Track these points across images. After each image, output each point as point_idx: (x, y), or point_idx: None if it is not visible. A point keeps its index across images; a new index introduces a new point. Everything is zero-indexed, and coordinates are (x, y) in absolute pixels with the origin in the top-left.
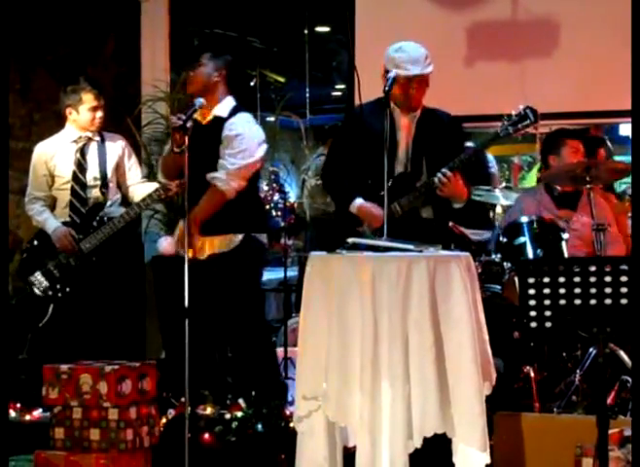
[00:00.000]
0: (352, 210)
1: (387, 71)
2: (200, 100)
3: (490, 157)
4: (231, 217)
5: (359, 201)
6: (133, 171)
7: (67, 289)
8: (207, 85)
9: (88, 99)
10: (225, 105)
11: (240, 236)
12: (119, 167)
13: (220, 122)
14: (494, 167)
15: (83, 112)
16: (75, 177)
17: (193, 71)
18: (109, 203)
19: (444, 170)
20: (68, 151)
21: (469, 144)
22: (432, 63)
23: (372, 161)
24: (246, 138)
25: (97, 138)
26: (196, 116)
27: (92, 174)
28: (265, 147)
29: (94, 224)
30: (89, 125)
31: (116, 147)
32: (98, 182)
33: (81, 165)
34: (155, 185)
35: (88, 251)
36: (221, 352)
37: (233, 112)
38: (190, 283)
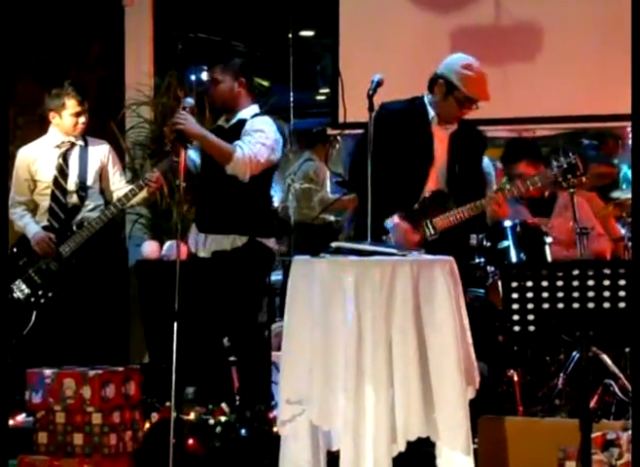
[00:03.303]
0: (386, 224)
1: (446, 80)
2: (189, 100)
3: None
4: (236, 219)
5: (397, 220)
6: (117, 177)
7: (49, 294)
8: (230, 99)
9: (71, 105)
10: (249, 110)
11: (244, 239)
12: (102, 173)
13: (243, 123)
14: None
15: (65, 117)
16: (56, 182)
17: (211, 90)
18: (89, 208)
19: (498, 196)
20: (51, 155)
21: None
22: None
23: (403, 172)
24: (266, 134)
25: (81, 143)
26: (220, 122)
27: (74, 180)
28: (279, 152)
29: (73, 228)
30: (72, 130)
31: (99, 152)
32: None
33: (62, 171)
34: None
35: (68, 255)
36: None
37: (256, 116)
38: (184, 282)
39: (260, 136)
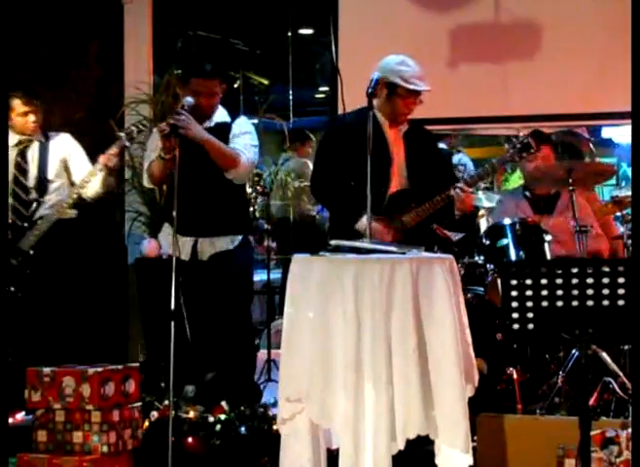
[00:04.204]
0: (359, 227)
1: (387, 82)
2: (189, 99)
3: (461, 158)
4: (232, 219)
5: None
6: (81, 168)
7: (12, 289)
8: (216, 107)
9: (17, 105)
10: (222, 112)
11: (240, 237)
12: (67, 167)
13: (226, 126)
14: (462, 162)
15: (15, 118)
16: (16, 180)
17: (204, 101)
18: (51, 203)
19: (460, 185)
20: (10, 155)
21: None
22: None
23: (365, 173)
24: (252, 135)
25: (41, 139)
26: None
27: (33, 175)
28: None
29: (35, 223)
30: (25, 130)
31: (60, 145)
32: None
33: (21, 168)
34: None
35: (27, 249)
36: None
37: (233, 117)
38: (189, 284)
39: (250, 138)
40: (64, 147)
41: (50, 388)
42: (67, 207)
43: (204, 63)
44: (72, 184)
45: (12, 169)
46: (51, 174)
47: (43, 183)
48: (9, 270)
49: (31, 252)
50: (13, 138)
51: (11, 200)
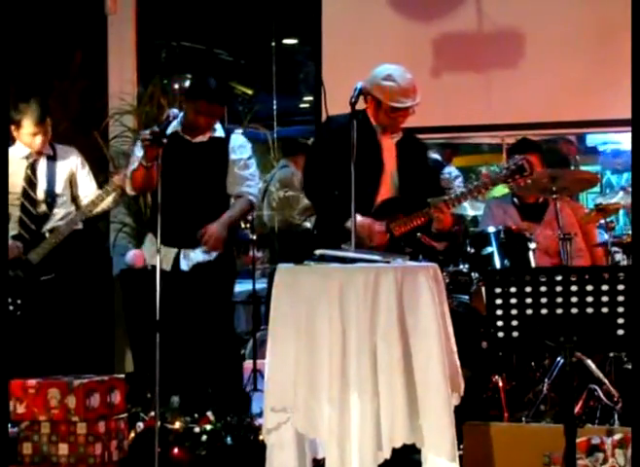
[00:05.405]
0: (349, 225)
1: (372, 95)
2: (175, 111)
3: (453, 171)
4: None
5: (358, 218)
6: (87, 183)
7: (18, 301)
8: None
9: (27, 125)
10: (216, 126)
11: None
12: (72, 180)
13: (219, 142)
14: (449, 176)
15: (23, 135)
16: (25, 193)
17: (203, 123)
18: (58, 216)
19: (441, 205)
20: (19, 166)
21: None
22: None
23: (356, 181)
24: (253, 160)
25: (49, 152)
26: (184, 134)
27: (42, 189)
28: None
29: (44, 236)
30: (31, 147)
31: (68, 160)
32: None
33: (31, 182)
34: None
35: (36, 262)
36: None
37: (226, 131)
38: (170, 294)
39: (251, 165)
40: (71, 161)
41: (35, 400)
42: (77, 223)
43: (217, 87)
44: (75, 197)
45: (22, 182)
46: (59, 188)
47: (52, 196)
48: (17, 283)
49: (36, 265)
50: (22, 150)
51: (19, 213)
